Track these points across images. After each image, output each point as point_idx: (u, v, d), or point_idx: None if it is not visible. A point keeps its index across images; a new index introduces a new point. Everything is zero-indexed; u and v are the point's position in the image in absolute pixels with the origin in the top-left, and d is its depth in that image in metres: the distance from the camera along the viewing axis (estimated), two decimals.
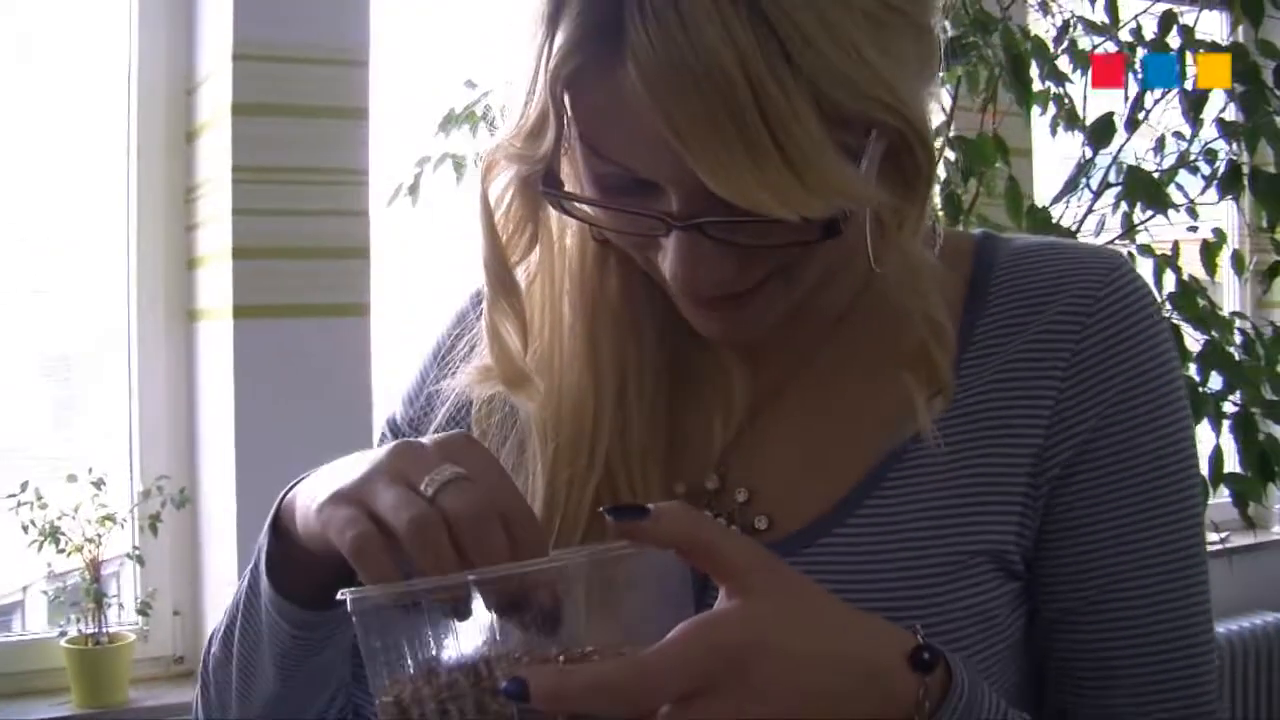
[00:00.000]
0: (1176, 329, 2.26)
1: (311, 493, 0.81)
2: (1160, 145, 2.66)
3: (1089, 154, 2.49)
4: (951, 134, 2.41)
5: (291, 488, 0.88)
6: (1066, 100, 2.58)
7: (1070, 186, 2.51)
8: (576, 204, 0.85)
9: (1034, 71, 2.49)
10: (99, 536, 2.65)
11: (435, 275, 3.18)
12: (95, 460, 2.72)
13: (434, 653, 0.71)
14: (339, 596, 0.73)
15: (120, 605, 2.72)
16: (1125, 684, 0.89)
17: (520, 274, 0.92)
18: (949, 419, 0.90)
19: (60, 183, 2.83)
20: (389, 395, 2.74)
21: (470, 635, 0.71)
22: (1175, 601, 0.89)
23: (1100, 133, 2.46)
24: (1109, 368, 0.89)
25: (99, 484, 2.67)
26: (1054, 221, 2.41)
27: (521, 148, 0.82)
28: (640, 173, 0.80)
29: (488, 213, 0.88)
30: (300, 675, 0.93)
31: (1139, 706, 0.89)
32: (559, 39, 0.76)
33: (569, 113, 0.79)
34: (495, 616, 0.70)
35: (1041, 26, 2.65)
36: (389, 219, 2.80)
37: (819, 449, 0.94)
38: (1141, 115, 2.53)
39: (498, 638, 0.70)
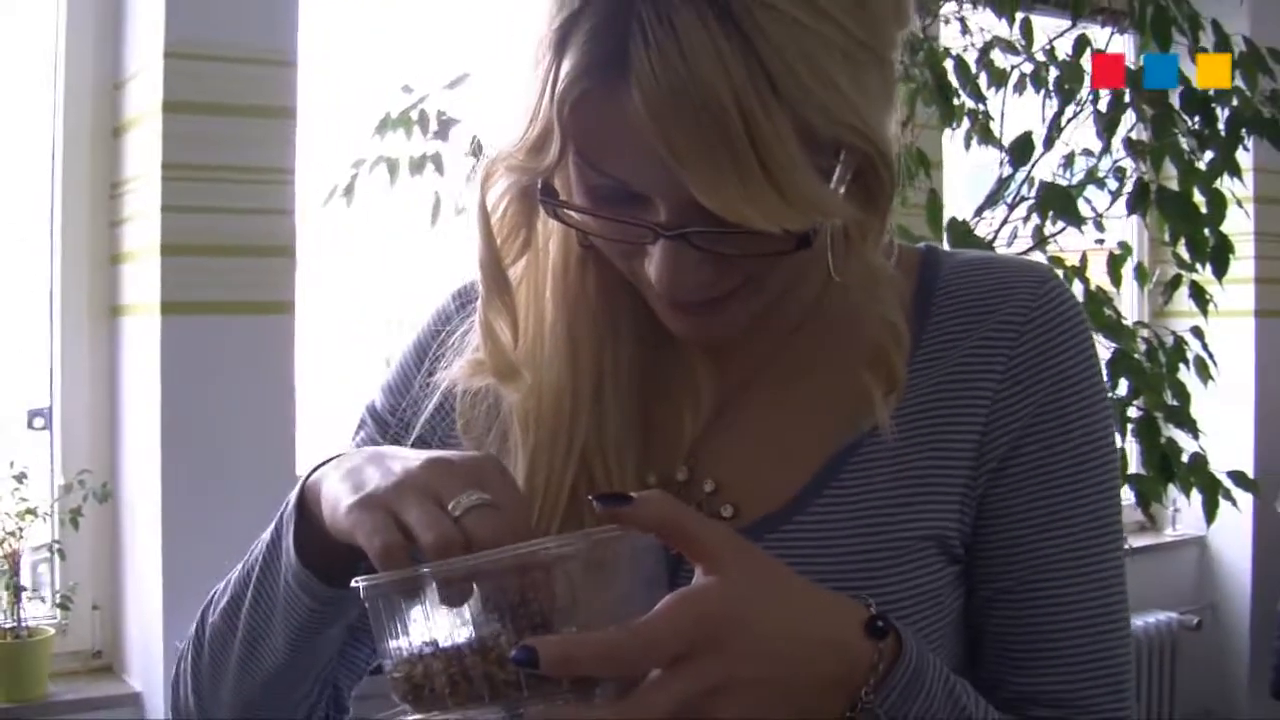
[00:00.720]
0: None
1: (338, 486, 0.87)
2: (1069, 161, 2.77)
3: (1009, 170, 2.59)
4: None
5: (315, 469, 0.93)
6: (982, 116, 2.67)
7: (991, 201, 2.61)
8: (571, 213, 0.91)
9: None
10: (20, 530, 2.65)
11: (358, 274, 3.21)
12: (16, 454, 2.72)
13: (442, 632, 0.76)
14: (352, 584, 0.79)
15: (41, 599, 2.71)
16: (1052, 657, 0.97)
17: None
18: (899, 418, 0.97)
19: None
20: (310, 392, 2.78)
21: (475, 616, 0.76)
22: (1096, 580, 0.98)
23: (1020, 150, 2.56)
24: (1040, 372, 0.98)
25: (20, 478, 2.67)
26: (973, 234, 2.50)
27: (524, 160, 0.88)
28: (634, 186, 0.86)
29: (485, 217, 0.95)
30: (308, 646, 0.97)
31: (1064, 678, 0.97)
32: (566, 65, 0.83)
33: (570, 130, 0.85)
34: (499, 598, 0.76)
35: (959, 45, 2.74)
36: (312, 218, 2.82)
37: (780, 444, 1.01)
38: (1055, 134, 2.63)
39: (501, 617, 0.76)
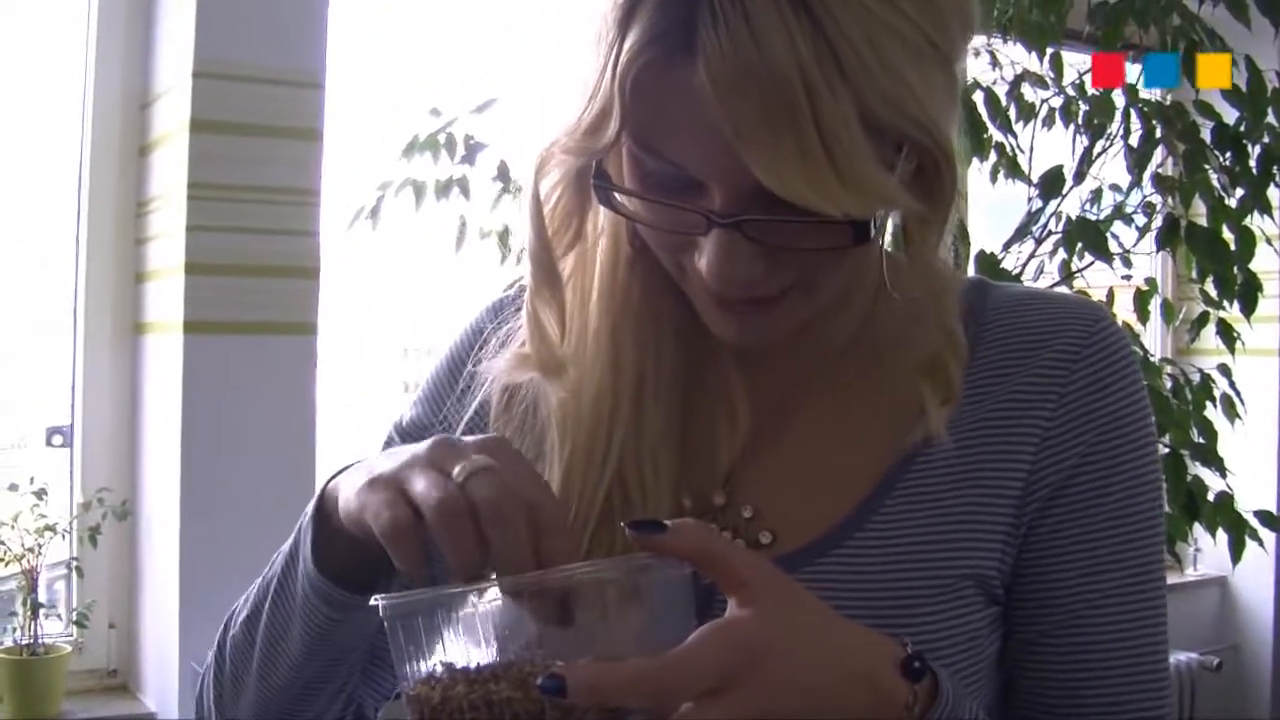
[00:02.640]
0: None
1: (354, 479, 0.86)
2: (1097, 196, 2.76)
3: (1039, 204, 2.58)
4: None
5: (336, 475, 0.92)
6: (1010, 150, 2.66)
7: (1020, 234, 2.60)
8: (624, 198, 0.90)
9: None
10: (38, 546, 2.65)
11: (382, 297, 3.21)
12: (37, 470, 2.72)
13: (463, 655, 0.75)
14: (371, 602, 0.77)
15: (58, 616, 2.70)
16: (1092, 704, 0.95)
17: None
18: (944, 451, 0.95)
19: (9, 191, 2.83)
20: (331, 413, 2.78)
21: (498, 639, 0.75)
22: (1138, 625, 0.96)
23: (1050, 184, 2.55)
24: (1091, 412, 0.96)
25: (40, 494, 2.66)
26: (1000, 267, 2.49)
27: (581, 140, 0.87)
28: (690, 169, 0.85)
29: (537, 206, 0.94)
30: (325, 655, 0.96)
31: None
32: (631, 39, 0.82)
33: (630, 107, 0.84)
34: (524, 621, 0.75)
35: (989, 78, 2.73)
36: (337, 240, 2.83)
37: (821, 471, 0.99)
38: (1085, 168, 2.62)
39: (525, 642, 0.75)
